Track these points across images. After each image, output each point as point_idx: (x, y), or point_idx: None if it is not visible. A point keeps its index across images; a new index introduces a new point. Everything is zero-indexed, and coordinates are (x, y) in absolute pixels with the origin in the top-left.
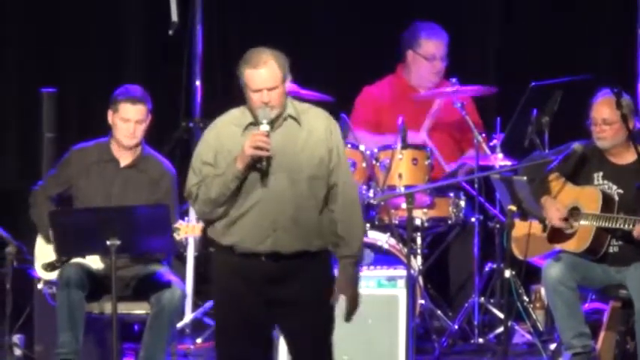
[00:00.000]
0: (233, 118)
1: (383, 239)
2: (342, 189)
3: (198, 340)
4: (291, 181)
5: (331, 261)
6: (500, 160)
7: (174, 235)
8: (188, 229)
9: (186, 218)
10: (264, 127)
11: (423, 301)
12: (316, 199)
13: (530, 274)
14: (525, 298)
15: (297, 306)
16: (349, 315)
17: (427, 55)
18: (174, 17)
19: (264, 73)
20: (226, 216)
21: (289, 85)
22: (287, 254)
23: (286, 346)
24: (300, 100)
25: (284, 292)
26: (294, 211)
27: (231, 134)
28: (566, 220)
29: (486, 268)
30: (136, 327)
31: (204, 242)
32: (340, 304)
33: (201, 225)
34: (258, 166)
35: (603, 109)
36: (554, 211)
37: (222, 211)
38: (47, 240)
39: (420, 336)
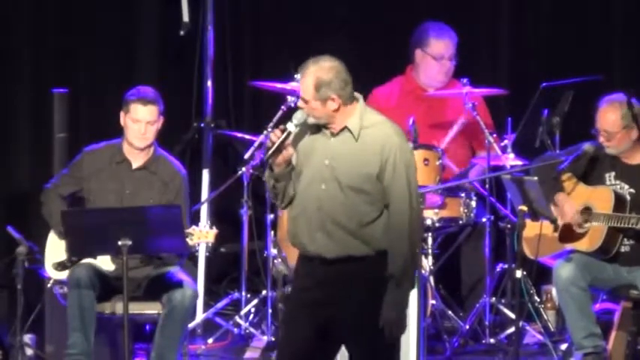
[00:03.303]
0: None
1: None
2: (392, 213)
3: (210, 341)
4: (336, 189)
5: (383, 269)
6: (511, 161)
7: (188, 240)
8: (202, 235)
9: (199, 224)
10: (289, 125)
11: (434, 302)
12: (359, 211)
13: (541, 275)
14: (536, 298)
15: (343, 312)
16: (387, 337)
17: (436, 54)
18: (186, 18)
19: (302, 83)
20: (289, 216)
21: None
22: (330, 258)
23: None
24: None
25: (331, 297)
26: (336, 217)
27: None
28: (581, 213)
29: (497, 269)
30: (147, 327)
31: (216, 242)
32: None
33: (215, 231)
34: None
35: (607, 117)
36: (569, 206)
37: (283, 205)
38: (60, 235)
39: (431, 336)
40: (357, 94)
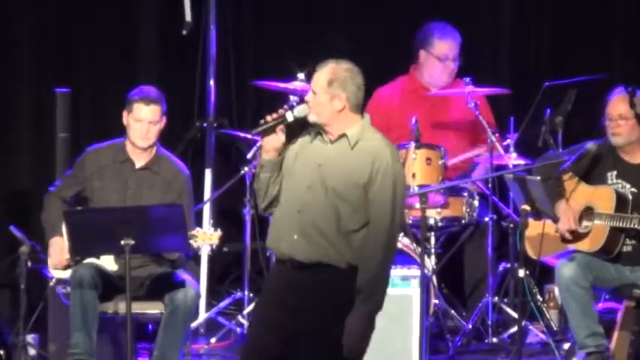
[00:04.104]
0: None
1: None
2: (370, 228)
3: (212, 340)
4: (318, 192)
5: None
6: (513, 160)
7: (191, 242)
8: (206, 237)
9: (203, 226)
10: (288, 114)
11: (436, 301)
12: (338, 217)
13: (543, 274)
14: (539, 297)
15: (307, 320)
16: (346, 350)
17: (440, 55)
18: (188, 17)
19: (316, 75)
20: (272, 216)
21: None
22: (305, 263)
23: None
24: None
25: (299, 302)
26: (314, 220)
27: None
28: (573, 232)
29: (500, 268)
30: (149, 327)
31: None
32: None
33: (219, 233)
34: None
35: (619, 105)
36: (565, 220)
37: (264, 205)
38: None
39: (434, 335)
40: (365, 113)
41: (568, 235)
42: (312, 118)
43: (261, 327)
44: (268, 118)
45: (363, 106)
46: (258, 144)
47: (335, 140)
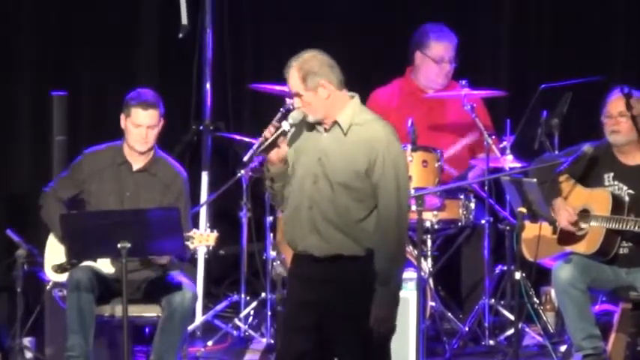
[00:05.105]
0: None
1: None
2: (379, 211)
3: (209, 343)
4: (325, 186)
5: (372, 270)
6: (510, 162)
7: (188, 243)
8: (203, 239)
9: (201, 229)
10: (284, 124)
11: (433, 303)
12: (349, 208)
13: (540, 276)
14: (536, 299)
15: (333, 314)
16: (376, 335)
17: (436, 57)
18: (185, 20)
19: (289, 80)
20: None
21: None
22: (321, 257)
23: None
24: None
25: (321, 297)
26: (326, 214)
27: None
28: (575, 223)
29: (497, 270)
30: (147, 329)
31: (216, 246)
32: None
33: (216, 234)
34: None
35: (620, 103)
36: (564, 214)
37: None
38: (60, 240)
39: (431, 338)
40: (353, 93)
41: (571, 228)
42: (311, 119)
43: (292, 327)
44: (267, 134)
45: (355, 90)
46: (254, 146)
47: (329, 128)
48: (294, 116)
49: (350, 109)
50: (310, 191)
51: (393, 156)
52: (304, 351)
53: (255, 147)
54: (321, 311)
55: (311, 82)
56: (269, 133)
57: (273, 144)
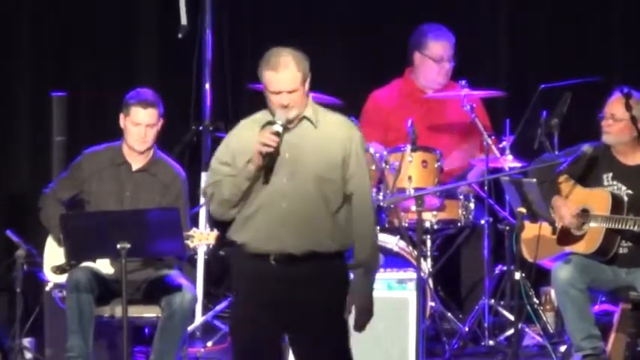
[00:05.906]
0: (255, 119)
1: (393, 242)
2: (358, 200)
3: (209, 344)
4: (301, 181)
5: (346, 267)
6: (509, 162)
7: (188, 242)
8: (202, 237)
9: (200, 228)
10: (277, 127)
11: (433, 304)
12: (326, 201)
13: (540, 276)
14: (535, 300)
15: (307, 313)
16: (358, 326)
17: (434, 56)
18: (184, 21)
19: (284, 76)
20: (239, 214)
21: (306, 87)
22: (297, 255)
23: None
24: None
25: (294, 297)
26: (303, 210)
27: (251, 135)
28: (578, 217)
29: (496, 271)
30: (146, 330)
31: (216, 244)
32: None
33: (215, 233)
34: (266, 165)
35: (614, 105)
36: (566, 209)
37: (235, 211)
38: (59, 242)
39: (431, 338)
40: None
41: (575, 222)
42: (292, 115)
43: (254, 330)
44: (271, 143)
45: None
46: (265, 158)
47: (294, 126)
48: (279, 117)
49: (311, 104)
50: (282, 188)
51: (362, 146)
52: (271, 353)
53: (264, 160)
54: (289, 313)
55: (307, 75)
56: (273, 142)
57: (277, 150)
